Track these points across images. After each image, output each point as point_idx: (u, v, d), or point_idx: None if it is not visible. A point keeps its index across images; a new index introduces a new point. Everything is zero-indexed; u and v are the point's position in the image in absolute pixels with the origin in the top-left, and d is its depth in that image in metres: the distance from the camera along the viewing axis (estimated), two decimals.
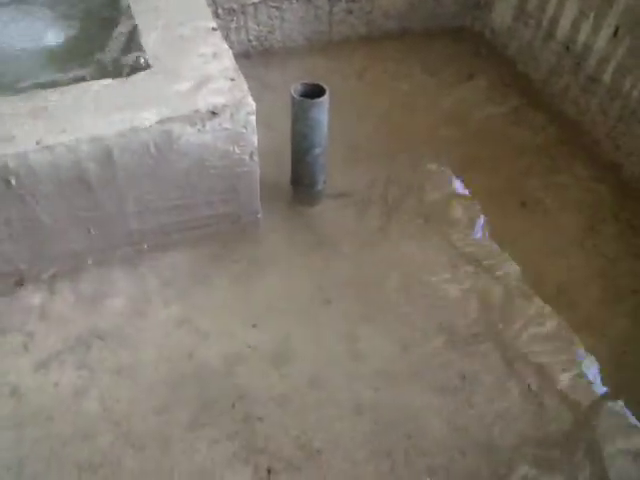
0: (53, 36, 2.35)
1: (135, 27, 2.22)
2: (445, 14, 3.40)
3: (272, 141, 2.36)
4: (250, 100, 1.89)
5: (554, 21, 2.88)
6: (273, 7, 3.05)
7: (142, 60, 2.05)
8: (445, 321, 2.03)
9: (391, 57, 3.27)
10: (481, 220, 2.39)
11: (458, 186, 2.53)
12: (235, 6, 2.96)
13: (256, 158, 2.04)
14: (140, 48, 2.12)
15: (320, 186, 2.37)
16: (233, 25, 3.04)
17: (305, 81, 2.15)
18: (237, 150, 1.98)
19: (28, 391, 1.85)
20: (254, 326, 2.01)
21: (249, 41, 3.15)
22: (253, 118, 1.92)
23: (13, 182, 1.80)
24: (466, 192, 2.51)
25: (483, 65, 3.23)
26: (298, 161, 2.27)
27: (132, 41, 2.19)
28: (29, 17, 2.42)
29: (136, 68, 2.05)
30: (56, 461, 1.69)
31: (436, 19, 3.41)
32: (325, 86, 2.12)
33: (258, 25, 3.10)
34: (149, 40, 2.16)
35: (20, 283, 2.08)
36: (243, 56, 3.12)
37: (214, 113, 1.84)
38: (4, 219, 1.89)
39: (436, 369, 1.91)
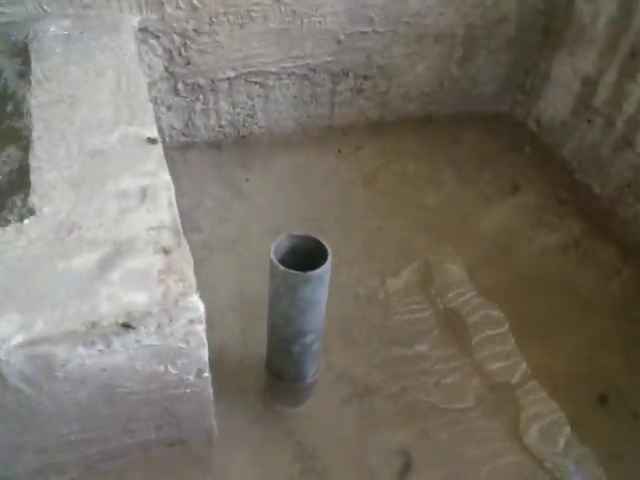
0: None
1: (27, 141, 1.39)
2: (480, 97, 2.61)
3: (237, 290, 1.69)
4: (195, 298, 1.06)
5: (634, 125, 2.13)
6: (254, 83, 2.21)
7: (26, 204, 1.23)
8: None
9: (412, 153, 2.44)
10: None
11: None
12: (202, 81, 2.13)
13: (207, 375, 1.22)
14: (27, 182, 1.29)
15: (310, 379, 1.55)
16: (199, 106, 2.20)
17: (293, 232, 1.34)
18: (172, 370, 1.16)
19: None
20: None
21: (220, 127, 2.31)
22: (201, 328, 1.10)
23: None
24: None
25: (530, 169, 2.42)
26: (279, 350, 1.45)
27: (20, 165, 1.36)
28: None
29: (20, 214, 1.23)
30: None
31: (468, 103, 2.61)
32: (326, 245, 1.30)
33: (234, 107, 2.26)
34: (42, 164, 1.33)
35: None
36: (212, 146, 2.30)
37: (127, 326, 1.02)
38: None
39: None
